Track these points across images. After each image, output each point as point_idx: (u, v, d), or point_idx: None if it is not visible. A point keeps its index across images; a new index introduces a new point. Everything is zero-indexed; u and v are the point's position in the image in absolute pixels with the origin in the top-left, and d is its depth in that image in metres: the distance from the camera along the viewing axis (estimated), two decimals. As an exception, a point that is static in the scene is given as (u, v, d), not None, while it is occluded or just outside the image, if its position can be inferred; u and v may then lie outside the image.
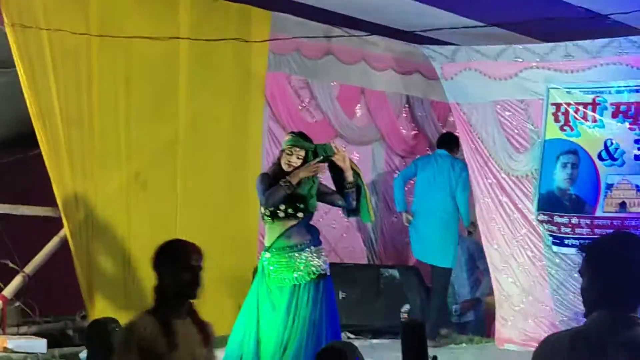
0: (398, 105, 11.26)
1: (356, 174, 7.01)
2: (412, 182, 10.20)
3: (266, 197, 6.67)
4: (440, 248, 9.56)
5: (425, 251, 9.76)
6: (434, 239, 9.61)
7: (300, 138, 6.89)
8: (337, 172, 6.98)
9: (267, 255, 6.84)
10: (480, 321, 10.46)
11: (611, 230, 8.77)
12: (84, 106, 8.06)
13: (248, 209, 8.87)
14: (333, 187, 7.11)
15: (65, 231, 8.05)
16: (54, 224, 8.25)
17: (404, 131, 11.43)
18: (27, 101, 7.75)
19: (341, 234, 10.69)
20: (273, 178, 6.78)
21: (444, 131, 11.16)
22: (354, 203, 6.99)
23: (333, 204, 7.22)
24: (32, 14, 7.69)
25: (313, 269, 6.73)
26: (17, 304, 8.23)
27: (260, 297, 6.77)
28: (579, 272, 3.30)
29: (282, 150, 6.88)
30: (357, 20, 9.76)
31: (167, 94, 8.70)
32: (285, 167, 6.77)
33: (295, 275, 6.71)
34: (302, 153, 6.79)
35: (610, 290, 3.17)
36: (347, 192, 6.91)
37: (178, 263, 4.49)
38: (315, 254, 6.78)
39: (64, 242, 8.15)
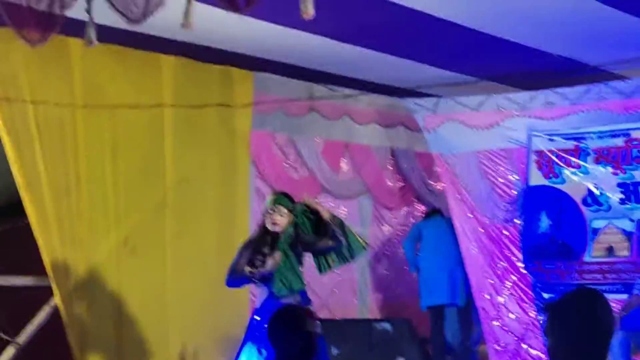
0: (383, 158, 11.32)
1: (332, 216, 7.09)
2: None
3: (229, 270, 6.82)
4: (451, 287, 9.71)
5: (434, 294, 9.87)
6: (442, 281, 9.80)
7: (282, 197, 6.98)
8: (309, 244, 7.01)
9: (256, 316, 6.87)
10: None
11: (600, 276, 8.85)
12: (71, 174, 8.09)
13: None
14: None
15: (56, 300, 8.05)
16: (45, 293, 8.24)
17: (390, 183, 11.48)
18: (14, 172, 7.78)
19: (332, 289, 10.70)
20: (257, 242, 6.83)
21: (430, 182, 11.34)
22: (343, 239, 7.03)
23: (325, 250, 7.22)
24: (16, 87, 7.73)
25: None
26: (10, 374, 8.20)
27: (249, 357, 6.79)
28: (543, 332, 3.29)
29: (265, 211, 6.95)
30: (339, 76, 9.84)
31: (153, 158, 8.75)
32: (270, 226, 6.82)
33: None
34: (285, 211, 6.84)
35: (577, 349, 3.17)
36: (330, 228, 6.95)
37: (292, 330, 4.29)
38: None
39: (55, 311, 8.14)
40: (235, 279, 6.96)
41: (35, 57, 7.54)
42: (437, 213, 10.52)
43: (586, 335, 3.17)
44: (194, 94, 8.98)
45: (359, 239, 7.26)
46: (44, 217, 7.89)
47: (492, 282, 9.45)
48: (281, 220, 6.85)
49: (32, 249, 7.92)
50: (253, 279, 6.87)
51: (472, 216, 9.57)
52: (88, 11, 4.98)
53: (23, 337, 8.22)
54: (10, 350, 8.18)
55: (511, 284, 9.35)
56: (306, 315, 4.37)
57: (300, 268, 7.09)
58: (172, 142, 8.84)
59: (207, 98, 9.02)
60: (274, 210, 6.85)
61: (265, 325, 4.33)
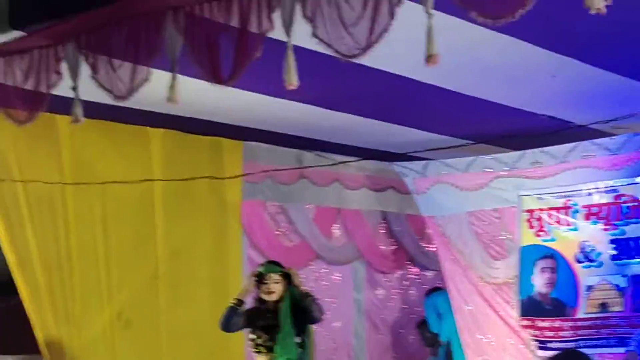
0: (375, 222, 11.34)
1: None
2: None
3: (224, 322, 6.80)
4: None
5: None
6: None
7: (272, 265, 6.95)
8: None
9: None
10: None
11: (594, 331, 8.85)
12: (62, 251, 8.10)
13: (233, 339, 8.85)
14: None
15: (51, 378, 8.02)
16: (39, 371, 8.20)
17: (382, 247, 11.48)
18: (4, 250, 7.80)
19: (328, 357, 10.65)
20: (253, 313, 6.81)
21: (423, 244, 11.39)
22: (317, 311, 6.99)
23: (309, 307, 7.14)
24: (6, 167, 7.78)
25: None
26: None
27: None
28: None
29: (258, 277, 6.87)
30: (328, 143, 9.89)
31: (144, 232, 8.76)
32: (265, 296, 6.78)
33: None
34: (278, 277, 6.79)
35: None
36: (309, 301, 6.92)
37: None
38: None
39: (51, 389, 8.10)
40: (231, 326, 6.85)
41: (23, 135, 7.59)
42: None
43: None
44: (183, 165, 9.01)
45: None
46: (36, 294, 7.88)
47: (487, 341, 9.41)
48: (276, 287, 6.79)
49: (24, 327, 7.90)
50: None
51: (464, 276, 9.57)
52: (74, 89, 5.05)
53: (18, 417, 8.17)
54: None
55: (506, 344, 9.32)
56: None
57: (296, 338, 7.02)
58: (163, 214, 8.86)
59: (197, 169, 9.06)
60: (267, 281, 6.79)
61: None
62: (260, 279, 6.84)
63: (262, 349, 6.69)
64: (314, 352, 6.96)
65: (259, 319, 6.81)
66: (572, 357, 3.35)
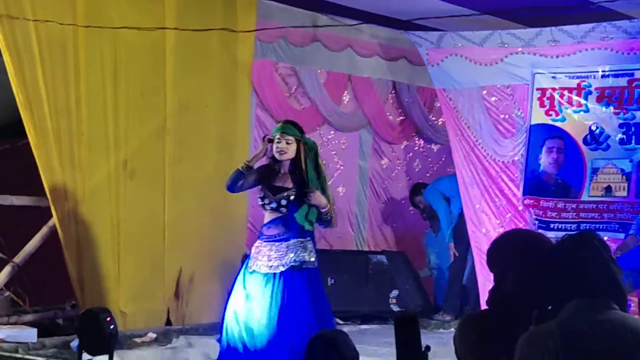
0: (384, 91, 11.29)
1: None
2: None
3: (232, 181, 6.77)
4: None
5: None
6: None
7: (289, 125, 6.86)
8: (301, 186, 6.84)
9: (257, 242, 6.85)
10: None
11: (597, 214, 8.88)
12: (71, 95, 8.06)
13: (236, 196, 8.87)
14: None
15: (54, 221, 8.07)
16: (43, 214, 8.26)
17: (390, 117, 11.46)
18: (15, 91, 7.75)
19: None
20: (265, 171, 6.77)
21: (431, 117, 11.38)
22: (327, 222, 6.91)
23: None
24: (19, 5, 7.68)
25: (288, 260, 6.68)
26: (7, 294, 8.23)
27: (244, 284, 6.77)
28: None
29: (271, 141, 6.80)
30: (343, 7, 9.77)
31: (154, 83, 8.71)
32: (277, 155, 6.72)
33: (270, 264, 6.68)
34: (291, 139, 6.72)
35: (585, 289, 3.16)
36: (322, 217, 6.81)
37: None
38: (294, 247, 6.71)
39: (53, 232, 8.17)
40: (236, 188, 6.85)
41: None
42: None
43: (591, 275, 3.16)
44: (196, 19, 8.91)
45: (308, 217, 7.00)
46: (43, 137, 7.89)
47: (489, 219, 9.46)
48: (287, 147, 6.70)
49: (31, 169, 7.93)
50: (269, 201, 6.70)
51: (472, 152, 9.56)
52: None
53: (20, 257, 8.25)
54: (7, 270, 8.22)
55: (507, 221, 9.36)
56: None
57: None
58: (173, 67, 8.79)
59: (209, 23, 8.95)
60: (280, 140, 6.70)
61: None
62: (275, 136, 6.72)
63: (268, 207, 6.68)
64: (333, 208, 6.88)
65: (270, 179, 6.76)
66: (586, 238, 3.29)
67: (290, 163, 6.72)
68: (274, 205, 6.67)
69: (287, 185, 6.70)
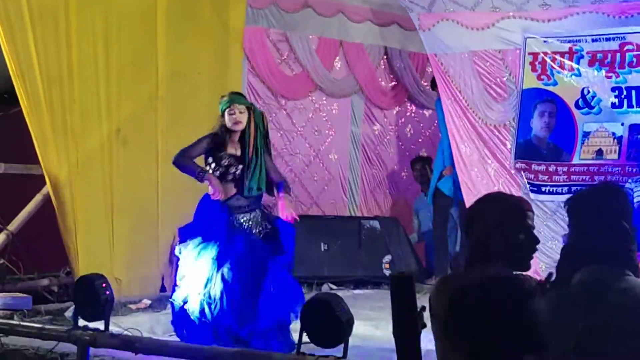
0: (376, 57, 11.29)
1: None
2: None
3: (176, 156, 6.81)
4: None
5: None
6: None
7: (237, 95, 6.89)
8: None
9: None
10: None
11: (588, 177, 8.92)
12: (63, 63, 8.05)
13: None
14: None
15: (47, 188, 8.08)
16: (37, 182, 8.27)
17: (382, 83, 11.47)
18: (6, 59, 7.75)
19: (323, 187, 10.77)
20: (218, 140, 6.75)
21: (423, 82, 11.36)
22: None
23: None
24: (9, -27, 7.68)
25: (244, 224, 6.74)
26: (2, 261, 8.26)
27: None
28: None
29: (222, 114, 6.76)
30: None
31: (146, 50, 8.70)
32: (232, 126, 6.67)
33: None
34: (243, 108, 6.71)
35: (601, 245, 3.18)
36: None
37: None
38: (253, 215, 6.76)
39: (47, 200, 8.18)
40: (184, 163, 6.88)
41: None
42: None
43: (610, 228, 3.19)
44: (188, -14, 8.90)
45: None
46: (36, 104, 7.88)
47: (482, 182, 9.49)
48: (241, 117, 6.69)
49: (24, 136, 7.92)
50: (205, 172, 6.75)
51: (464, 116, 9.57)
52: None
53: (14, 225, 8.27)
54: (1, 238, 8.24)
55: (500, 185, 9.39)
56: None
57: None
58: (165, 34, 8.79)
59: (201, -9, 8.95)
60: (233, 111, 6.67)
61: None
62: (225, 110, 6.69)
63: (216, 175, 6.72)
64: None
65: (223, 150, 6.74)
66: (608, 190, 3.29)
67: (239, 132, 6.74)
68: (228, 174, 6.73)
69: (237, 154, 6.72)
